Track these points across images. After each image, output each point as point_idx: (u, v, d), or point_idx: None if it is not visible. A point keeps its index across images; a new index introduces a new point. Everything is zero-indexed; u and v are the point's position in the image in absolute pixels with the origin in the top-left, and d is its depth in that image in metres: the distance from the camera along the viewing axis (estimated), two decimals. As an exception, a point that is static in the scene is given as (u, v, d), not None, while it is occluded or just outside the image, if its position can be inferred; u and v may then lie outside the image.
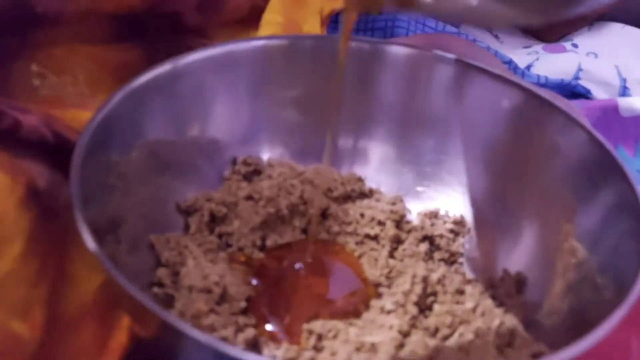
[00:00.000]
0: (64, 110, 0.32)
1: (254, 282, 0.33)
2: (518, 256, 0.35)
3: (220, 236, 0.35)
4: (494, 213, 0.36)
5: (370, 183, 0.39)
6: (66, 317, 0.28)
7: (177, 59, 0.34)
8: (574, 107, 0.48)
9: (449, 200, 0.38)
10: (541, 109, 0.35)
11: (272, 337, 0.31)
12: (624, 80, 0.60)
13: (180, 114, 0.35)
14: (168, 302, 0.31)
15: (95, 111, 0.29)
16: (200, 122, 0.36)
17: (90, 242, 0.24)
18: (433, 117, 0.38)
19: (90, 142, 0.28)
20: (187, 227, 0.35)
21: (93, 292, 0.29)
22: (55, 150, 0.29)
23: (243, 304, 0.31)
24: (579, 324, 0.28)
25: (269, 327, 0.31)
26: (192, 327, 0.23)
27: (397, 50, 0.37)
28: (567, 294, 0.31)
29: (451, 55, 0.37)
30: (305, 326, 0.31)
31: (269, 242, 0.35)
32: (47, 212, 0.27)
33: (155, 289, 0.31)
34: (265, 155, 0.39)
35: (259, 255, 0.35)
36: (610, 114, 0.56)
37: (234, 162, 0.38)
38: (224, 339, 0.29)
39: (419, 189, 0.39)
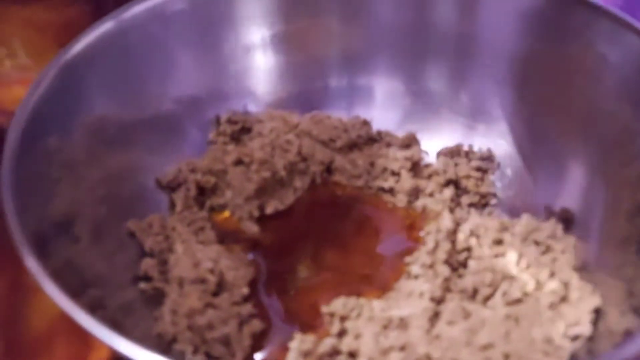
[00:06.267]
0: (2, 89, 0.27)
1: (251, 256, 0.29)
2: (563, 190, 0.30)
3: (212, 210, 0.31)
4: (530, 141, 0.31)
5: (377, 125, 0.33)
6: (30, 337, 0.23)
7: (120, 13, 0.28)
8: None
9: (471, 132, 0.33)
10: (577, 11, 0.29)
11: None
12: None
13: (136, 77, 0.30)
14: (159, 297, 0.27)
15: (26, 94, 0.24)
16: (162, 81, 0.31)
17: (29, 259, 0.19)
18: (443, 36, 0.32)
19: (23, 134, 0.24)
20: (173, 206, 0.31)
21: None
22: None
23: (245, 290, 0.27)
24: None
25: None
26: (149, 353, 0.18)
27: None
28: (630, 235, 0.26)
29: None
30: (324, 309, 0.26)
31: (268, 210, 0.31)
32: None
33: (142, 285, 0.28)
34: (253, 109, 0.33)
35: (253, 228, 0.30)
36: (634, 1, 0.49)
37: (217, 121, 0.33)
38: (226, 338, 0.25)
39: (436, 123, 0.33)
